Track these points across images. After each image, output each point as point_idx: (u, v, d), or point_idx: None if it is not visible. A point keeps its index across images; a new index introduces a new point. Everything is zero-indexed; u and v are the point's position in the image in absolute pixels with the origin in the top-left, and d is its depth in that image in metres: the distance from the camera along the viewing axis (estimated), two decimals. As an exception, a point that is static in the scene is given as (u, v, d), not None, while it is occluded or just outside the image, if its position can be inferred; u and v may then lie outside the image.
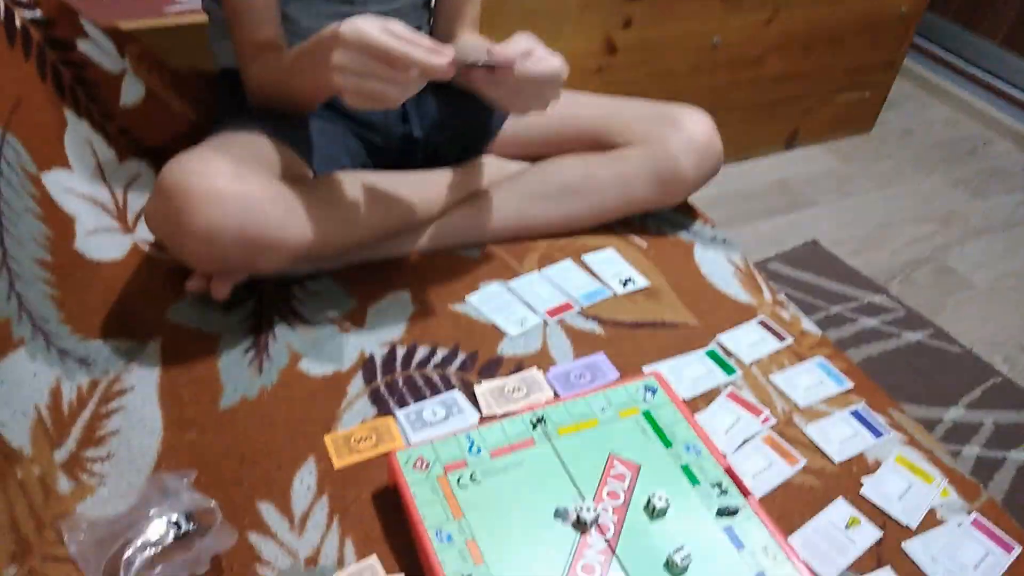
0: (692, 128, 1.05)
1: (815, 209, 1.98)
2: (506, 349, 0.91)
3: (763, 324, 0.98)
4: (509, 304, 0.97)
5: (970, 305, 1.73)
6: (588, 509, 0.69)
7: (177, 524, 0.70)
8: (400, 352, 0.90)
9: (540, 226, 1.08)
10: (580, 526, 0.69)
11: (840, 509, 0.77)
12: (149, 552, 0.68)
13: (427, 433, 0.80)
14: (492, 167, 1.10)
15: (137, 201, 1.00)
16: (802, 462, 0.81)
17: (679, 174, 1.05)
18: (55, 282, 0.85)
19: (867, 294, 1.69)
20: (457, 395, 0.85)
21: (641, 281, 1.03)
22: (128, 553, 0.67)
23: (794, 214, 1.95)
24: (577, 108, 1.12)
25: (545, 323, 0.95)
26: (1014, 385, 1.51)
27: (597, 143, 1.09)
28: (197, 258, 0.82)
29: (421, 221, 1.03)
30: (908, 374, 1.51)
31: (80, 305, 0.87)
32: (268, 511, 0.73)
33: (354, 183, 0.95)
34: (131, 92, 1.04)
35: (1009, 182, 2.15)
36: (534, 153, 1.13)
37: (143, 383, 0.82)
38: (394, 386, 0.86)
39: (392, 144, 1.09)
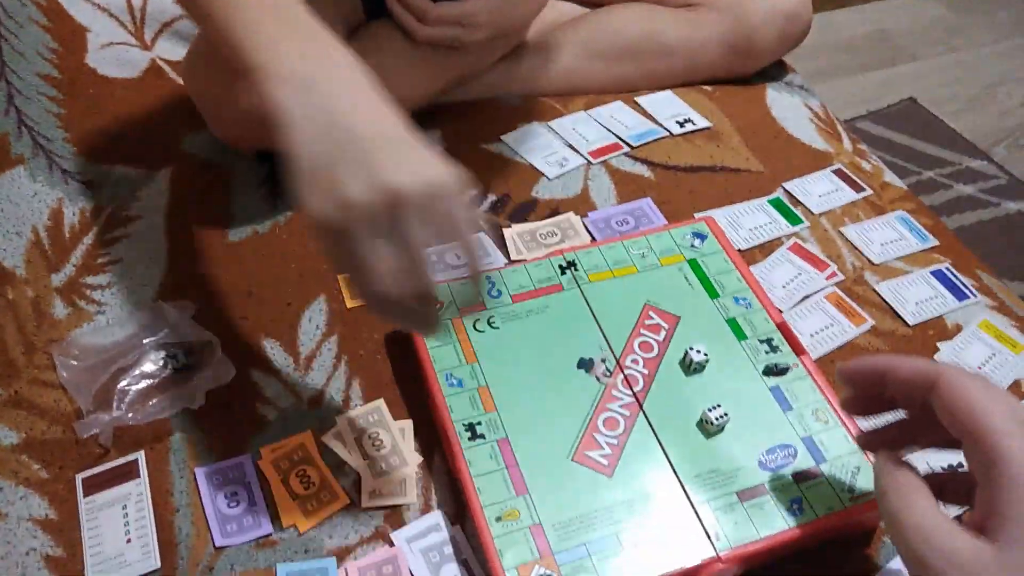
0: None
1: (917, 64, 1.77)
2: (542, 192, 0.82)
3: (838, 173, 0.86)
4: (549, 144, 0.88)
5: (1086, 174, 1.54)
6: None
7: (175, 356, 0.66)
8: (425, 191, 0.82)
9: (590, 87, 0.95)
10: (606, 377, 0.62)
11: (908, 376, 0.67)
12: (144, 384, 0.64)
13: (449, 276, 0.73)
14: (545, 10, 0.97)
15: (157, 11, 0.92)
16: (870, 323, 0.71)
17: (757, 45, 0.92)
18: (61, 100, 0.80)
19: (966, 159, 1.52)
20: (484, 238, 0.77)
21: (702, 122, 0.91)
22: (123, 383, 0.64)
23: (893, 69, 1.76)
24: None
25: (588, 164, 0.86)
26: None
27: None
28: (233, 138, 0.77)
29: (470, 78, 0.91)
30: (1005, 246, 1.36)
31: (89, 125, 0.81)
32: (273, 348, 0.68)
33: (403, 46, 0.83)
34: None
35: None
36: None
37: (150, 212, 0.77)
38: (417, 226, 0.78)
39: None
